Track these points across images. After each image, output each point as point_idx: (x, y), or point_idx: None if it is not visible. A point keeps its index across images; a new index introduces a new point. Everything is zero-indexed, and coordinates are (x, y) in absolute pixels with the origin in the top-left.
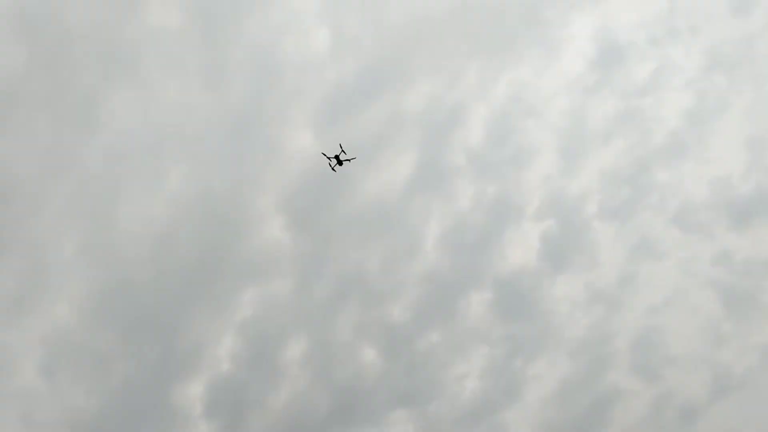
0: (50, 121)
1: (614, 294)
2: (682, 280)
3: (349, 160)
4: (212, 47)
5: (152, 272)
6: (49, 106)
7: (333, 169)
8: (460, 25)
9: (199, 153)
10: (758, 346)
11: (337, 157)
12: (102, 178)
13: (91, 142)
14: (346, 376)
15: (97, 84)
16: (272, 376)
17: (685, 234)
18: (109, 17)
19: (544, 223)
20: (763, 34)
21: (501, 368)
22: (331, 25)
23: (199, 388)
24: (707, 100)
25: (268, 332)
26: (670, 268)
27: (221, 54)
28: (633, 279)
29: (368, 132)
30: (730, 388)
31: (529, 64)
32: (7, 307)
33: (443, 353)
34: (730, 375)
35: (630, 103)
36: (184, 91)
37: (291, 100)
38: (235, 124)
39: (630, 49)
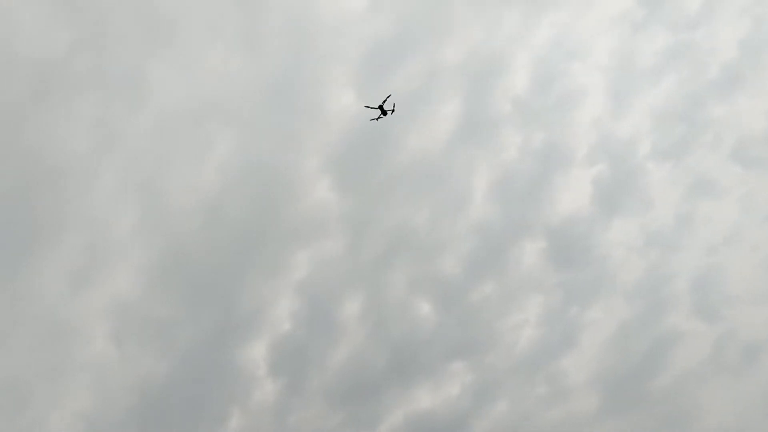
0: (96, 99)
1: (671, 235)
2: (741, 217)
3: (393, 110)
4: (248, 12)
5: (207, 240)
6: (94, 84)
7: (376, 119)
8: None
9: (242, 119)
10: None
11: (381, 107)
12: (150, 150)
13: (137, 116)
14: (402, 330)
15: (138, 59)
16: (331, 334)
17: (743, 169)
18: None
19: (595, 168)
20: None
21: (557, 316)
22: None
23: (261, 348)
24: (763, 28)
25: (323, 291)
26: (728, 206)
27: (257, 18)
28: (690, 219)
29: (410, 86)
30: None
31: (572, 2)
32: (72, 281)
33: (498, 304)
34: None
35: (681, 37)
36: (224, 59)
37: (330, 59)
38: (276, 88)
39: None
